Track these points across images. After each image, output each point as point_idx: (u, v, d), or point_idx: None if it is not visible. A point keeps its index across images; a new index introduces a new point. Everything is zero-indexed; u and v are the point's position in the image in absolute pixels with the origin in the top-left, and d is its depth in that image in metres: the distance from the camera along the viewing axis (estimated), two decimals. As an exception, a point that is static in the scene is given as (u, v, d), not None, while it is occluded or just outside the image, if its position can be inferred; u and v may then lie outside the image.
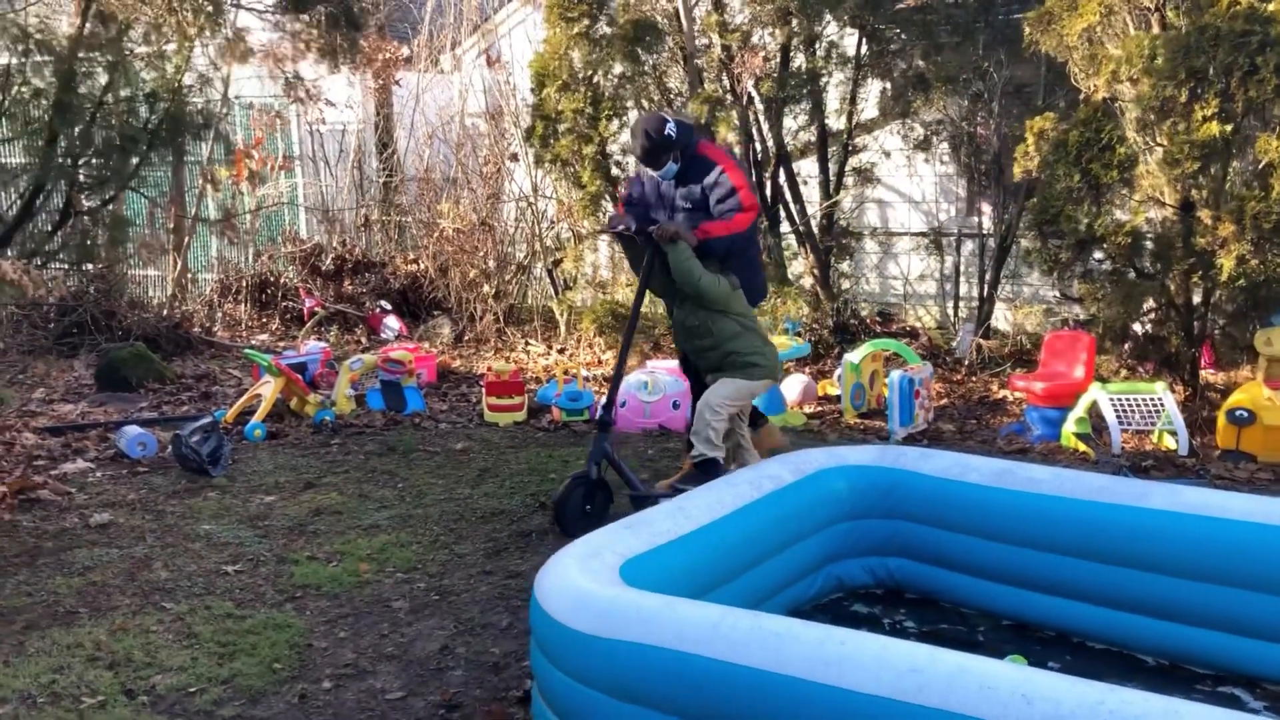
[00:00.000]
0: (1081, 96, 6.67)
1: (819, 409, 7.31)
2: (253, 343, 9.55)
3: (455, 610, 4.15)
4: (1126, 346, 6.43)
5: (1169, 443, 6.00)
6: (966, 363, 7.87)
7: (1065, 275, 6.34)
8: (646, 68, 8.32)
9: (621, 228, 5.11)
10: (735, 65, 8.06)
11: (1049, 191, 6.14)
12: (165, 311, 9.11)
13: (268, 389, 6.95)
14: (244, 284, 10.24)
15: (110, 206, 5.83)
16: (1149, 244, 5.97)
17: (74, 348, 8.91)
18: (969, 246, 9.22)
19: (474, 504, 5.45)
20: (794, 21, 8.37)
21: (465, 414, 7.37)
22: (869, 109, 9.28)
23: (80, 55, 5.58)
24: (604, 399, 5.07)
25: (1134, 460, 5.75)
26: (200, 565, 4.62)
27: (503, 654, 3.76)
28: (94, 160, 5.66)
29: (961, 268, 9.25)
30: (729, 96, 8.36)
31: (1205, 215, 5.68)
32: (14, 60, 5.55)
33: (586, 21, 8.09)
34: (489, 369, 7.50)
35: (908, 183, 9.88)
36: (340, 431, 6.89)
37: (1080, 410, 6.07)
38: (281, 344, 9.56)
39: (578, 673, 2.80)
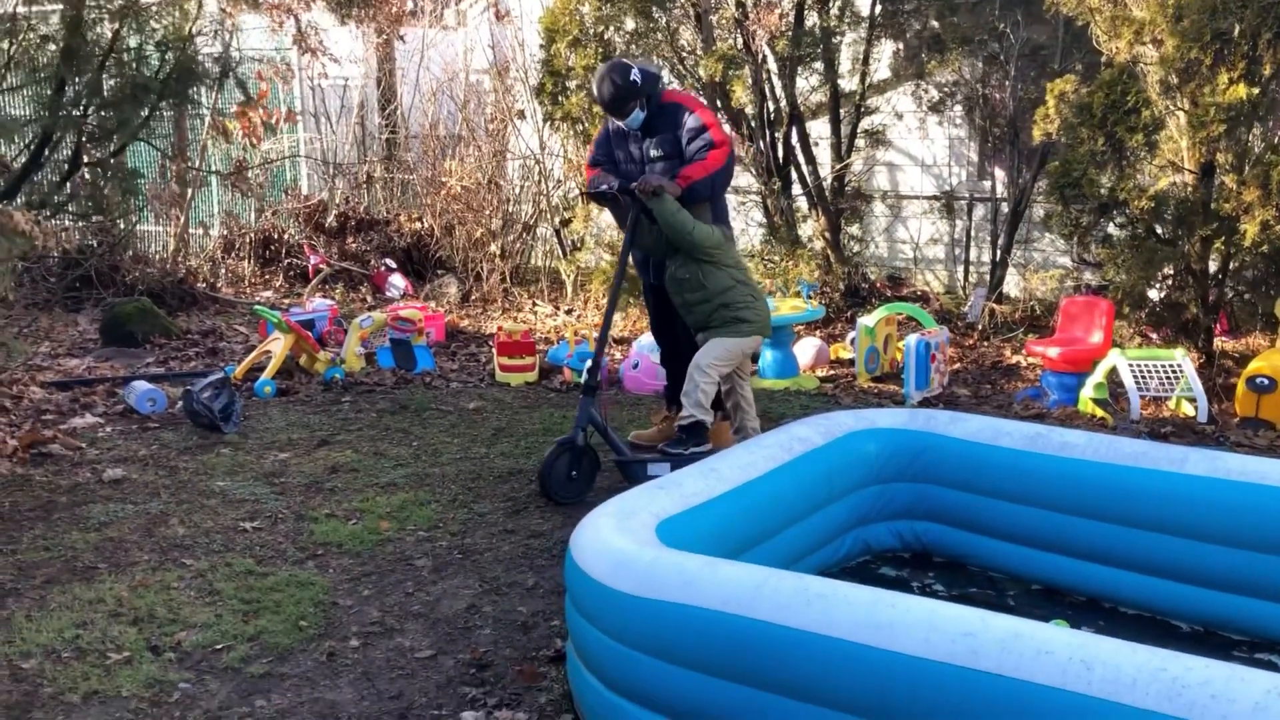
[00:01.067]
0: (1104, 59, 6.59)
1: (832, 372, 7.27)
2: (257, 299, 9.47)
3: (479, 569, 4.12)
4: (1143, 313, 6.38)
5: (1187, 409, 5.98)
6: (980, 327, 7.81)
7: (1085, 240, 6.28)
8: (660, 24, 8.19)
9: (604, 187, 5.01)
10: (750, 22, 7.94)
11: (1071, 155, 6.06)
12: (169, 266, 9.00)
13: (277, 346, 6.88)
14: (248, 240, 10.12)
15: (119, 157, 5.71)
16: (1170, 209, 5.90)
17: (78, 302, 8.82)
18: (979, 211, 9.15)
19: (490, 463, 5.40)
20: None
21: (475, 374, 7.32)
22: (881, 70, 9.18)
23: (89, 1, 5.47)
24: (590, 362, 4.98)
25: (1153, 427, 5.73)
26: (217, 522, 4.58)
27: (530, 613, 3.73)
28: (103, 110, 5.54)
29: (972, 232, 9.19)
30: (743, 54, 8.24)
31: (1230, 180, 5.62)
32: (21, 6, 5.44)
33: (599, -25, 7.94)
34: (500, 329, 7.43)
35: (919, 145, 9.78)
36: (351, 389, 6.83)
37: (1099, 376, 6.04)
38: (286, 301, 9.48)
39: (618, 633, 2.76)
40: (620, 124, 5.09)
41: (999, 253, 8.46)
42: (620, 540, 2.97)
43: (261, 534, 4.46)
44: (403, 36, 11.27)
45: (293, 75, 9.47)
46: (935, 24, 8.78)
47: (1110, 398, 6.11)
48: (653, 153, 5.07)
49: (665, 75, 8.71)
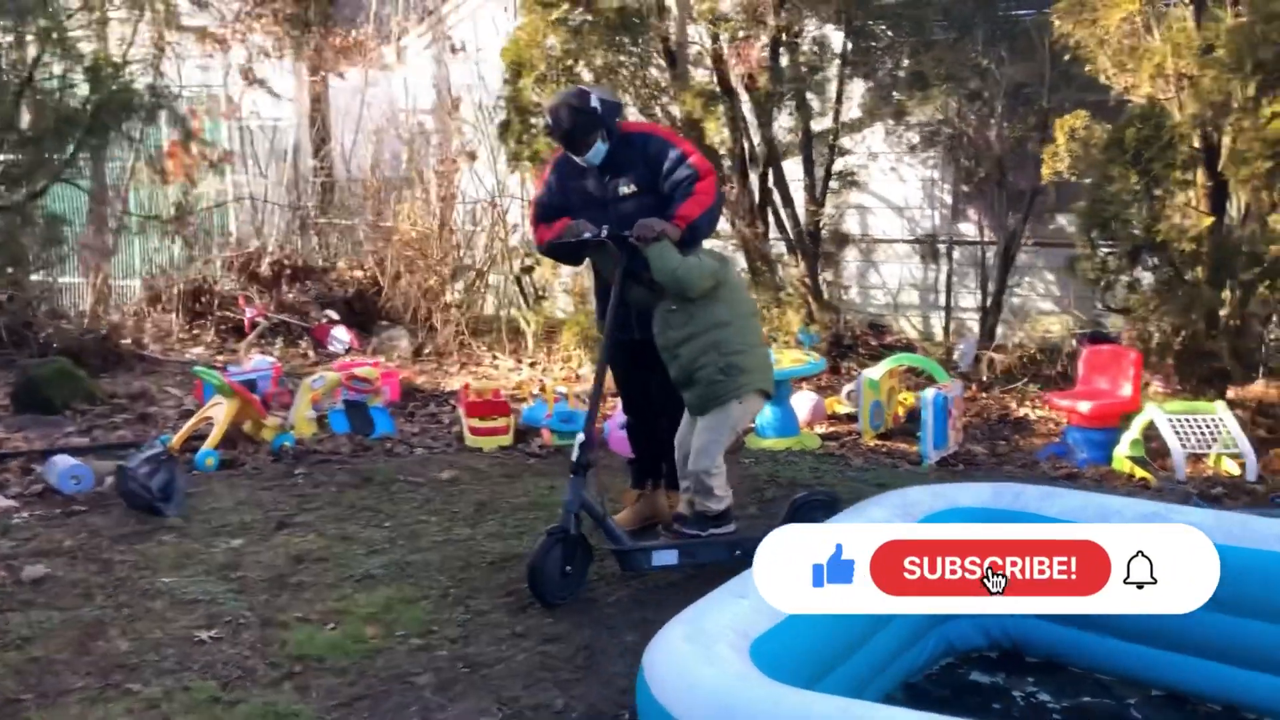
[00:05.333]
0: (1114, 95, 6.23)
1: (831, 429, 6.72)
2: (188, 356, 8.64)
3: (493, 687, 3.43)
4: (1169, 362, 5.97)
5: (1229, 467, 5.54)
6: (984, 378, 7.34)
7: (1112, 285, 5.85)
8: (632, 59, 7.67)
9: (588, 235, 4.32)
10: (729, 57, 7.45)
11: (1100, 194, 5.64)
12: (89, 322, 8.13)
13: (220, 411, 6.11)
14: (176, 291, 9.28)
15: (40, 200, 4.96)
16: (1208, 251, 5.50)
17: (-17, 363, 7.89)
18: (957, 255, 8.74)
19: (479, 547, 4.72)
20: (781, 14, 7.79)
21: (440, 437, 6.62)
22: (854, 110, 8.77)
23: (2, 22, 4.73)
24: (581, 437, 4.16)
25: (1201, 488, 5.27)
26: (167, 631, 3.83)
27: (570, 748, 3.07)
28: (20, 147, 4.79)
29: (955, 277, 8.77)
30: (719, 91, 7.75)
31: (1276, 221, 5.23)
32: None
33: (566, 6, 7.40)
34: (466, 387, 6.76)
35: (891, 187, 9.38)
36: (304, 459, 6.08)
37: (1135, 432, 5.58)
38: (220, 357, 8.66)
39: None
40: (579, 159, 4.43)
41: (989, 298, 8.03)
42: (716, 674, 2.36)
43: (223, 646, 3.72)
44: (342, 74, 10.60)
45: (236, 110, 8.70)
46: (908, 62, 8.40)
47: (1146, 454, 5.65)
48: (623, 189, 4.42)
49: (635, 114, 8.19)
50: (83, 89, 4.72)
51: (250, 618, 3.95)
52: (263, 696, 3.35)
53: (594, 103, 4.35)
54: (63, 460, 5.53)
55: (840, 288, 8.87)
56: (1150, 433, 5.64)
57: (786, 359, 6.33)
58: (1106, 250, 5.76)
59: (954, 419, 6.02)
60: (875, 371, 6.40)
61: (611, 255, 4.33)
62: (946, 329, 8.70)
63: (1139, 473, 5.47)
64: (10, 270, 5.94)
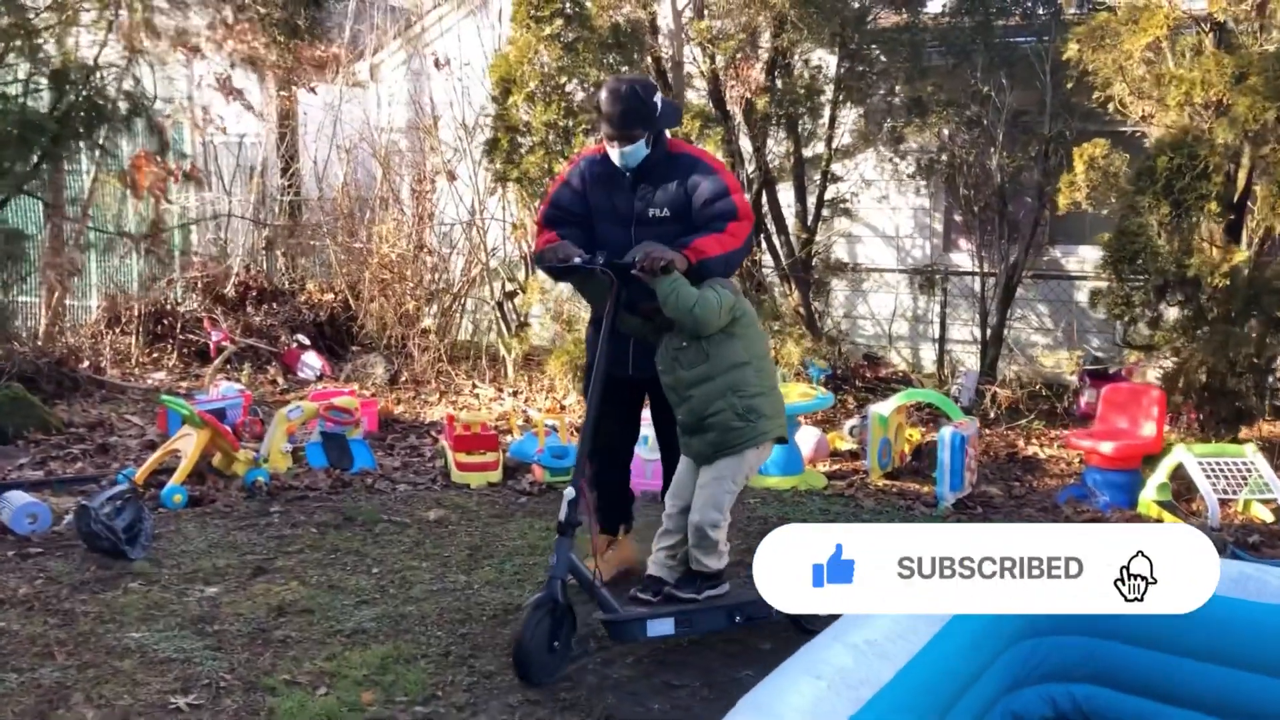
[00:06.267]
0: (1130, 122, 6.02)
1: (834, 467, 6.42)
2: (149, 382, 8.17)
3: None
4: (1192, 401, 5.73)
5: (1260, 512, 5.30)
6: (989, 414, 7.07)
7: (1137, 319, 5.61)
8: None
9: (578, 261, 3.80)
10: (726, 78, 7.17)
11: (1128, 225, 5.40)
12: (43, 345, 7.64)
13: (188, 443, 5.67)
14: (135, 313, 8.80)
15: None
16: (1242, 287, 5.28)
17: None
18: (949, 286, 8.52)
19: (476, 597, 4.34)
20: (782, 36, 7.54)
21: (423, 472, 6.24)
22: (847, 136, 8.54)
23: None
24: (570, 492, 3.68)
25: (1237, 535, 5.02)
26: (138, 697, 3.42)
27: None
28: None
29: (951, 309, 8.54)
30: (716, 113, 7.47)
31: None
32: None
33: (560, 22, 7.09)
34: (451, 419, 6.37)
35: (882, 217, 9.16)
36: (279, 496, 5.66)
37: (1162, 475, 5.33)
38: (184, 384, 8.20)
39: None
40: (616, 154, 3.92)
41: (988, 331, 7.80)
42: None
43: (201, 716, 3.32)
44: (314, 88, 10.21)
45: (210, 121, 8.25)
46: (900, 88, 8.19)
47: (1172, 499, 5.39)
48: (654, 212, 3.95)
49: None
50: (48, 94, 4.31)
51: (230, 681, 3.55)
52: (251, 778, 2.96)
53: (657, 98, 3.93)
54: (17, 497, 5.07)
55: (844, 318, 8.61)
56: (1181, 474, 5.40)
57: (793, 393, 6.03)
58: (1133, 284, 5.51)
59: (969, 459, 5.73)
60: (885, 407, 6.10)
61: (602, 283, 3.83)
62: (941, 361, 8.46)
63: (1168, 518, 5.22)
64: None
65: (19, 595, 4.23)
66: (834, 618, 2.69)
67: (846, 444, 6.72)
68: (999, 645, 3.03)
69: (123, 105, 4.44)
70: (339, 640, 3.90)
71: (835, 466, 6.43)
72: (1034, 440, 6.93)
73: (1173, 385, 5.51)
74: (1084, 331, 8.27)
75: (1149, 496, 5.35)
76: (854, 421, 6.87)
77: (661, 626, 3.67)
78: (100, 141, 4.62)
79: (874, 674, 2.47)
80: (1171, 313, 5.79)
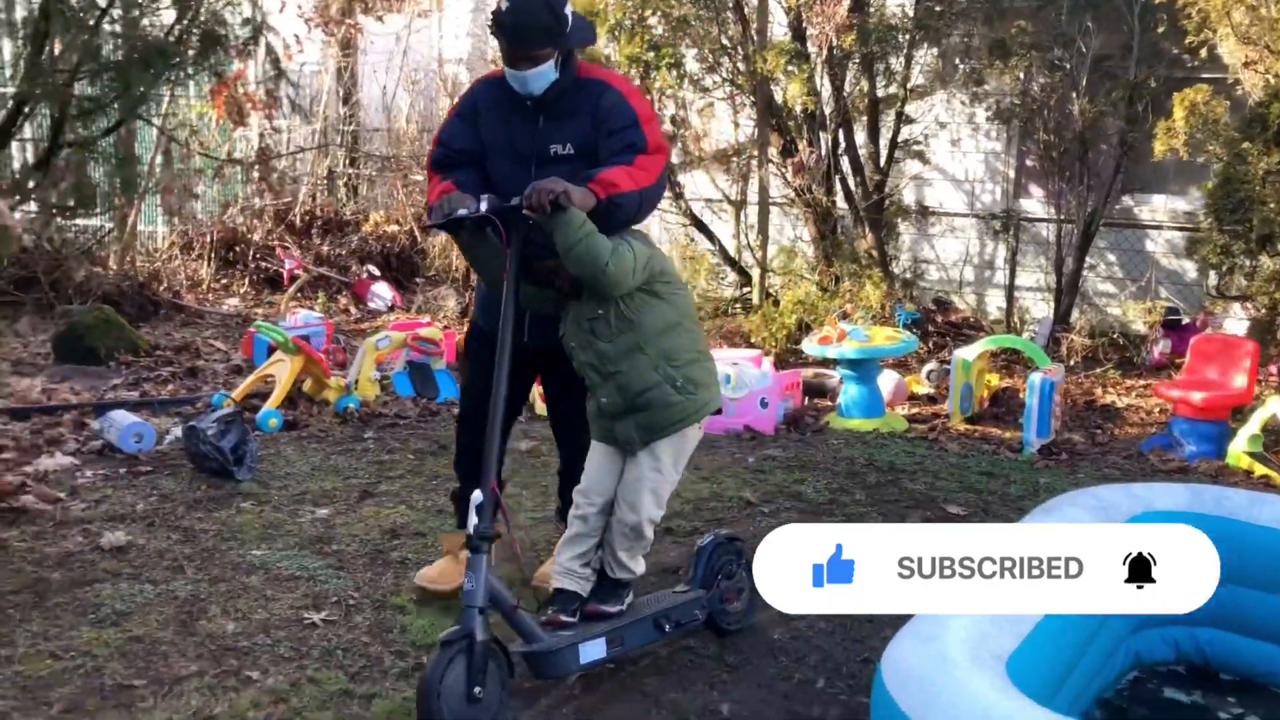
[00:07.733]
0: (1232, 74, 5.92)
1: (914, 410, 6.45)
2: (224, 307, 8.27)
3: (654, 689, 3.14)
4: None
5: (1351, 465, 5.29)
6: (1071, 363, 7.06)
7: (1235, 270, 5.58)
8: (708, 12, 7.29)
9: (463, 212, 3.09)
10: (814, 13, 7.09)
11: (1232, 172, 5.34)
12: (126, 268, 7.73)
13: (283, 369, 5.78)
14: (208, 240, 8.89)
15: (123, 133, 4.58)
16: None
17: (15, 307, 7.49)
18: (1025, 232, 8.45)
19: (581, 525, 4.41)
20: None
21: (506, 403, 6.29)
22: (923, 77, 8.44)
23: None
24: (478, 495, 2.94)
25: (1331, 488, 5.02)
26: (273, 612, 3.52)
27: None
28: (97, 76, 4.41)
29: (1020, 255, 8.48)
30: (800, 49, 7.40)
31: None
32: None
33: (645, -48, 7.01)
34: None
35: (952, 160, 9.07)
36: (370, 423, 5.77)
37: (1255, 426, 5.32)
38: (258, 311, 8.30)
39: None
40: (516, 79, 3.21)
41: (1064, 278, 7.75)
42: (992, 694, 2.09)
43: (338, 631, 3.42)
44: (380, 17, 10.16)
45: (300, 50, 8.24)
46: (980, 29, 8.07)
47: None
48: (555, 148, 3.25)
49: (704, 76, 7.83)
50: (167, 15, 4.33)
51: (359, 598, 3.65)
52: (396, 689, 3.06)
53: (567, 9, 3.20)
54: (122, 416, 5.19)
55: (900, 263, 8.57)
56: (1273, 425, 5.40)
57: (879, 336, 6.04)
58: (1232, 233, 5.46)
59: (1055, 405, 5.75)
60: (969, 352, 6.11)
61: (492, 243, 3.13)
62: (1009, 308, 8.42)
63: (1259, 469, 5.22)
64: (80, 211, 5.53)
65: (137, 511, 4.35)
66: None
67: (923, 388, 6.74)
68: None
69: (240, 31, 4.44)
70: (455, 563, 3.98)
71: (914, 410, 6.46)
72: (1110, 389, 6.93)
73: (1267, 336, 5.48)
74: (1155, 281, 8.22)
75: (1239, 447, 5.35)
76: (932, 365, 6.88)
77: (593, 650, 3.05)
78: (217, 68, 4.65)
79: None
80: (1265, 263, 5.74)
